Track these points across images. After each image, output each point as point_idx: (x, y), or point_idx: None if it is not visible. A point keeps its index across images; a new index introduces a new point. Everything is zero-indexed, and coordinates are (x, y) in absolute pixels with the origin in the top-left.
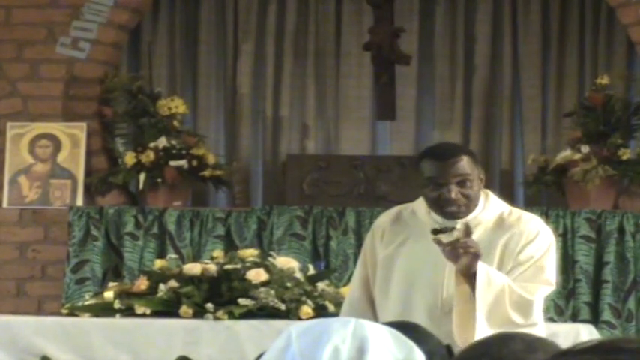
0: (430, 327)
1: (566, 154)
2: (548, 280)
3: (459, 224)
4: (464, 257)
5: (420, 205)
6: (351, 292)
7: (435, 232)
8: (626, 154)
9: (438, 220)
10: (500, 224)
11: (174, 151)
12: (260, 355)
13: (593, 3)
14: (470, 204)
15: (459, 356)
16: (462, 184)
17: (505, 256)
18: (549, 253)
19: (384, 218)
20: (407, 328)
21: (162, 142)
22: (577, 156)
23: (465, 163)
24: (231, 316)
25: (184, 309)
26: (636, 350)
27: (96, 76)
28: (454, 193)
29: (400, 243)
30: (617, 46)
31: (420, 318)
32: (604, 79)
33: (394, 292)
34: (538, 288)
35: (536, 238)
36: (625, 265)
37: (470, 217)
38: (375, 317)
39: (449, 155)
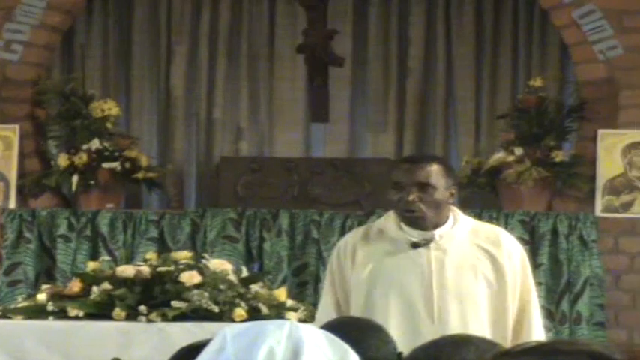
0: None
1: (499, 155)
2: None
3: (437, 235)
4: None
5: (387, 222)
6: (322, 317)
7: (415, 245)
8: (559, 156)
9: (412, 234)
10: (477, 235)
11: (107, 153)
12: (178, 352)
13: (527, 5)
14: (429, 212)
15: (410, 355)
16: (423, 189)
17: (498, 276)
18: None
19: (352, 238)
20: (371, 328)
21: (95, 144)
22: (511, 158)
23: (432, 171)
24: (165, 318)
25: (117, 311)
26: (574, 352)
27: (28, 78)
28: (412, 196)
29: (377, 261)
30: (550, 48)
31: (420, 330)
32: (537, 81)
33: (392, 309)
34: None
35: (522, 256)
36: (558, 267)
37: (442, 231)
38: None
39: (417, 160)
